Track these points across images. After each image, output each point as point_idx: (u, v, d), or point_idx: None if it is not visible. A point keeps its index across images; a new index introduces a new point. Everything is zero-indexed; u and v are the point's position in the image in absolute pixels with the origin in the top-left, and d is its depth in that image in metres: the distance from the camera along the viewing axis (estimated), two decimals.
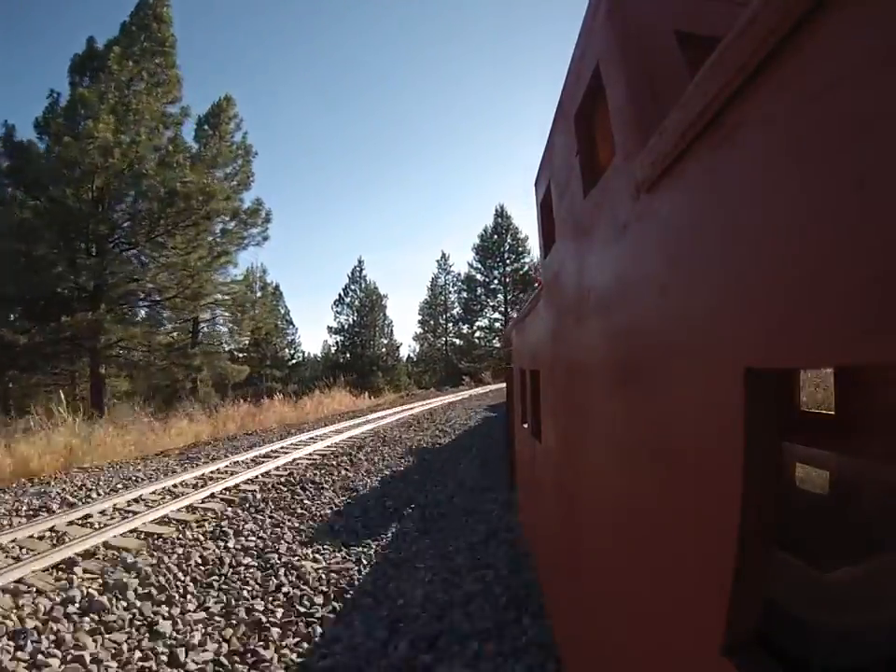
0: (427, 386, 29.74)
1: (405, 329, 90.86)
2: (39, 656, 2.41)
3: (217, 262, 16.56)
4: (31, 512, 4.84)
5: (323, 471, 6.47)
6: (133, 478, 6.35)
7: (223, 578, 3.39)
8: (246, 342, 25.26)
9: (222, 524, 4.42)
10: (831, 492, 1.56)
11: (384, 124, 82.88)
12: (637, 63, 1.05)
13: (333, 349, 34.65)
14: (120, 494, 5.36)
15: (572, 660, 1.85)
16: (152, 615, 2.86)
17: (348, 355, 33.24)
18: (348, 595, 3.18)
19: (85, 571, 3.40)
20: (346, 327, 33.95)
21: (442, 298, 38.89)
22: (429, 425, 10.99)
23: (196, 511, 4.85)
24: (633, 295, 1.07)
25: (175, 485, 5.74)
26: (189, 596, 3.11)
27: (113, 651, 2.52)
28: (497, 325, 37.13)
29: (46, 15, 33.85)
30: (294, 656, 2.52)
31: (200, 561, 3.64)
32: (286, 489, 5.62)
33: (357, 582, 3.37)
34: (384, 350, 34.53)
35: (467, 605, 2.98)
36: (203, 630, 2.74)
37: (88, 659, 2.42)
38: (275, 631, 2.72)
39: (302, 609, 2.98)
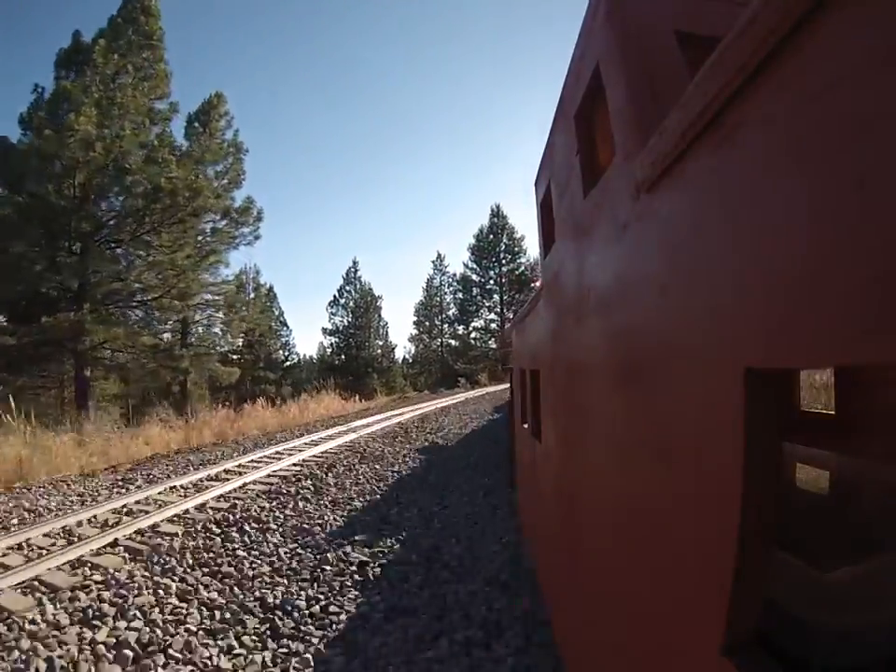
0: (421, 388, 29.71)
1: (401, 331, 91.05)
2: None
3: (205, 261, 16.43)
4: None
5: (276, 503, 5.17)
6: (38, 510, 5.11)
7: None
8: (240, 343, 25.12)
9: (103, 595, 3.09)
10: (831, 492, 1.58)
11: (381, 124, 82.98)
12: (637, 64, 1.07)
13: (329, 351, 34.60)
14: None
15: (572, 659, 1.87)
16: None
17: (343, 356, 33.18)
18: None
19: None
20: (341, 328, 33.90)
21: (438, 299, 38.90)
22: (418, 435, 9.68)
23: (80, 568, 3.54)
24: (633, 295, 1.08)
25: (79, 523, 4.56)
26: None
27: None
28: (493, 326, 37.15)
29: (46, 15, 33.76)
30: None
31: None
32: (218, 531, 4.32)
33: None
34: (379, 352, 34.52)
35: None
36: None
37: None
38: None
39: None
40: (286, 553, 3.87)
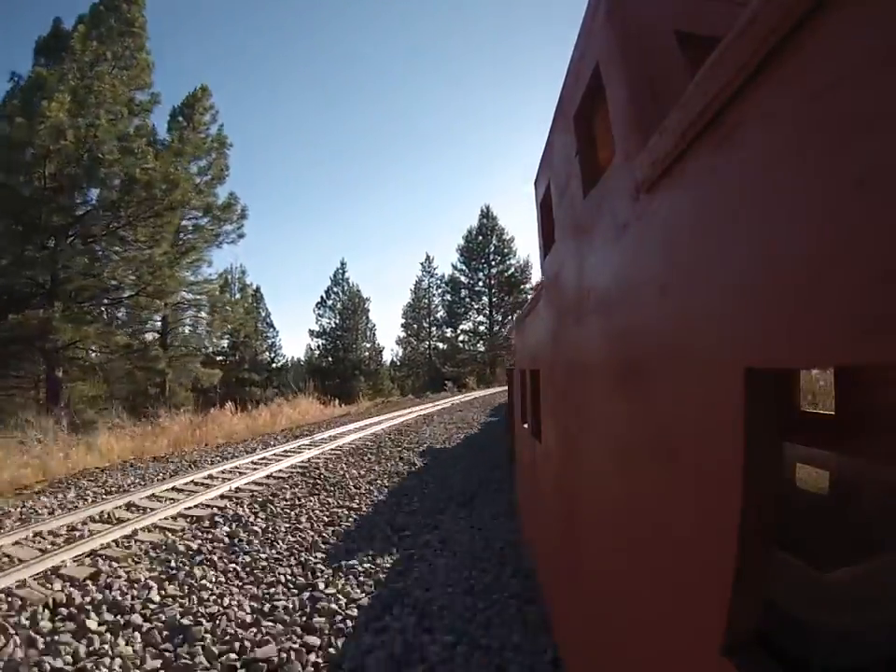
0: (407, 392, 29.57)
1: (389, 334, 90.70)
2: None
3: (185, 259, 16.19)
4: None
5: (159, 570, 3.43)
6: None
7: None
8: (224, 344, 24.76)
9: None
10: (831, 492, 1.61)
11: (374, 124, 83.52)
12: (637, 64, 1.08)
13: (316, 353, 34.33)
14: None
15: (573, 659, 1.88)
16: None
17: (330, 359, 32.91)
18: None
19: None
20: (328, 330, 33.63)
21: (426, 301, 38.81)
22: (392, 450, 8.30)
23: None
24: (633, 295, 1.10)
25: None
26: None
27: None
28: (482, 328, 37.20)
29: (47, 15, 33.19)
30: None
31: None
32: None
33: None
34: (366, 354, 34.31)
35: None
36: None
37: None
38: None
39: None
40: None
